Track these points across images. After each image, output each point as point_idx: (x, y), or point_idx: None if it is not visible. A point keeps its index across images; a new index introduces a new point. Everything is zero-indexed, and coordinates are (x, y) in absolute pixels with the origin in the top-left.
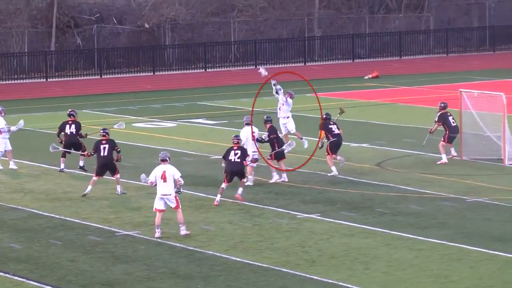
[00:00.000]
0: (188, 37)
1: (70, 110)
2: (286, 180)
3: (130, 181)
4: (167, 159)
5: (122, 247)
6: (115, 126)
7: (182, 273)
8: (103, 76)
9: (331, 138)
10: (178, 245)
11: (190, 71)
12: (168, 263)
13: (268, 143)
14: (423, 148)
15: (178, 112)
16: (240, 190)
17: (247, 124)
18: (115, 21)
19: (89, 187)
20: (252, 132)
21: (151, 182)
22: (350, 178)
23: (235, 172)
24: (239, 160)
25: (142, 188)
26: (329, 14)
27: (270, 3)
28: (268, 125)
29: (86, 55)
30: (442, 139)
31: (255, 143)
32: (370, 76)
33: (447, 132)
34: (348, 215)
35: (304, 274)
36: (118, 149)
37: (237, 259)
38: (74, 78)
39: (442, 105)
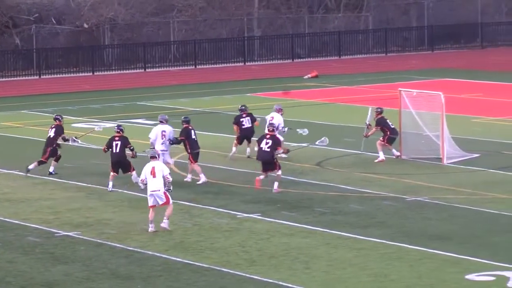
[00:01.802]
0: (127, 37)
1: (55, 114)
2: (189, 180)
3: (69, 182)
4: (157, 156)
5: (61, 248)
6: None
7: (122, 273)
8: (42, 77)
9: (388, 132)
10: (118, 245)
11: (130, 71)
12: (108, 263)
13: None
14: (364, 150)
15: (117, 112)
16: (275, 184)
17: (161, 122)
18: (54, 21)
19: (110, 183)
20: (162, 131)
21: (141, 180)
22: (291, 178)
23: (264, 161)
24: (269, 149)
25: (81, 189)
26: (269, 14)
27: (210, 3)
28: (184, 126)
29: (24, 56)
30: (382, 139)
31: (169, 142)
32: (309, 75)
33: (388, 133)
34: (288, 214)
35: (244, 274)
36: (131, 147)
37: (177, 259)
38: (12, 78)
39: (379, 110)
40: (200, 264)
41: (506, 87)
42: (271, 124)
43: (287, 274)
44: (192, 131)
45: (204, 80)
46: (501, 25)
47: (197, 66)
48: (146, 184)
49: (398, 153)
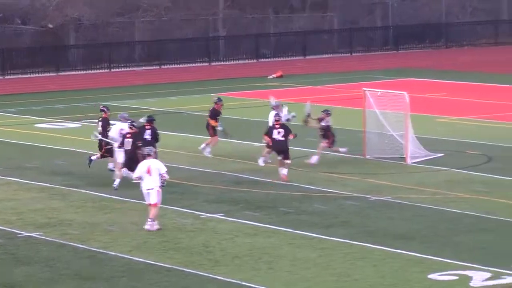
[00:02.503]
0: (92, 37)
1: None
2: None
3: (32, 182)
4: (152, 154)
5: (24, 249)
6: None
7: (85, 274)
8: (6, 77)
9: (332, 137)
10: (81, 246)
11: (95, 71)
12: (71, 264)
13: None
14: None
15: (82, 113)
16: (285, 170)
17: (120, 120)
18: (18, 21)
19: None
20: (120, 130)
21: (136, 178)
22: (254, 178)
23: (280, 150)
24: (283, 138)
25: (44, 190)
26: (234, 14)
27: (175, 3)
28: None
29: None
30: (327, 142)
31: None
32: (274, 75)
33: (333, 137)
34: (252, 214)
35: (207, 274)
36: (140, 143)
37: (140, 259)
38: None
39: (329, 112)
40: (163, 265)
41: (470, 86)
42: (277, 114)
43: (251, 274)
44: (148, 131)
45: (170, 80)
46: (466, 25)
47: (162, 66)
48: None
49: (345, 149)
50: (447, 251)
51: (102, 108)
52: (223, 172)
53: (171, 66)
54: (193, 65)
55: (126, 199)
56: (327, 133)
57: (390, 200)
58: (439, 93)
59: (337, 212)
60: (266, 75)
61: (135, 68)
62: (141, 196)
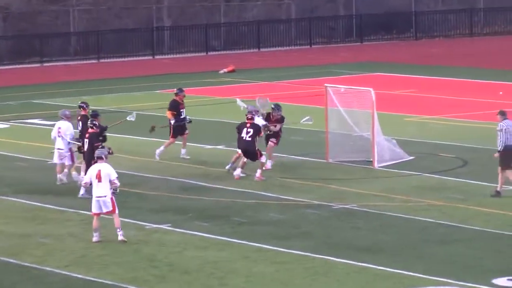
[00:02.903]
0: (22, 27)
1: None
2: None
3: None
4: (103, 157)
5: None
6: (127, 118)
7: None
8: None
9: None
10: (11, 261)
11: (25, 65)
12: (0, 282)
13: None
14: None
15: (11, 112)
16: (258, 171)
17: (61, 118)
18: None
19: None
20: (58, 128)
21: (85, 183)
22: (204, 184)
23: (246, 151)
24: (250, 139)
25: None
26: (180, 2)
27: None
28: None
29: None
30: (275, 141)
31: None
32: (225, 70)
33: (280, 134)
34: (202, 225)
35: None
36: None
37: (79, 275)
38: None
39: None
40: (104, 281)
41: (443, 82)
42: (249, 112)
43: None
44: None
45: (109, 75)
46: (437, 14)
47: (101, 60)
48: (90, 185)
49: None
50: (419, 264)
51: (80, 104)
52: (169, 178)
53: (110, 60)
54: (135, 58)
55: (63, 208)
56: (277, 132)
57: (355, 208)
58: (409, 90)
59: (296, 222)
60: (216, 70)
61: (70, 63)
62: (79, 205)
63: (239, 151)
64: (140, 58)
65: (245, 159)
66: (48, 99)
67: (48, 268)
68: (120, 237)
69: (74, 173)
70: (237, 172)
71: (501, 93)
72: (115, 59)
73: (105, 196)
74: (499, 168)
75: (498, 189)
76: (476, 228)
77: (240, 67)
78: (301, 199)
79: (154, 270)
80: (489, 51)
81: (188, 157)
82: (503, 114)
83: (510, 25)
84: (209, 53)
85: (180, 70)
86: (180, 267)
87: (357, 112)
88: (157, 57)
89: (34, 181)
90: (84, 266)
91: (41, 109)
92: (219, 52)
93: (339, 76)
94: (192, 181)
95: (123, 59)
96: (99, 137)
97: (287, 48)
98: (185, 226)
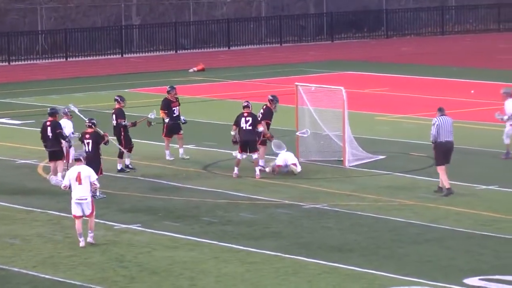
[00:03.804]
0: None
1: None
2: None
3: None
4: (82, 159)
5: None
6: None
7: None
8: None
9: None
10: None
11: None
12: None
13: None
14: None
15: None
16: (257, 170)
17: (63, 116)
18: None
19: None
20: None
21: (64, 186)
22: (174, 184)
23: (246, 142)
24: (250, 127)
25: None
26: (149, 0)
27: None
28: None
29: None
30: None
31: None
32: (195, 69)
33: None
34: (171, 225)
35: None
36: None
37: (47, 276)
38: None
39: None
40: (73, 282)
41: (414, 81)
42: (247, 101)
43: None
44: (49, 128)
45: (77, 74)
46: (408, 12)
47: (69, 59)
48: (69, 189)
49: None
50: (391, 264)
51: (115, 98)
52: (138, 178)
53: (78, 59)
54: (103, 57)
55: (30, 208)
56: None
57: (326, 208)
58: (380, 88)
59: (267, 222)
60: (186, 69)
61: (37, 61)
62: (46, 205)
63: (235, 153)
64: (109, 56)
65: (240, 158)
66: (15, 98)
67: (15, 269)
68: (89, 239)
69: (52, 176)
70: (235, 171)
71: (472, 91)
72: (83, 58)
73: (86, 199)
74: (438, 168)
75: (448, 186)
76: (447, 227)
77: (210, 66)
78: (272, 199)
79: (123, 271)
80: (461, 49)
81: (187, 157)
82: (440, 110)
83: (481, 23)
84: (178, 52)
85: (149, 69)
86: (150, 267)
87: (328, 111)
88: (126, 55)
89: (2, 181)
90: (52, 266)
91: (8, 108)
92: (189, 51)
93: (310, 74)
94: (161, 181)
95: (91, 58)
96: (100, 137)
97: (258, 46)
98: (154, 226)
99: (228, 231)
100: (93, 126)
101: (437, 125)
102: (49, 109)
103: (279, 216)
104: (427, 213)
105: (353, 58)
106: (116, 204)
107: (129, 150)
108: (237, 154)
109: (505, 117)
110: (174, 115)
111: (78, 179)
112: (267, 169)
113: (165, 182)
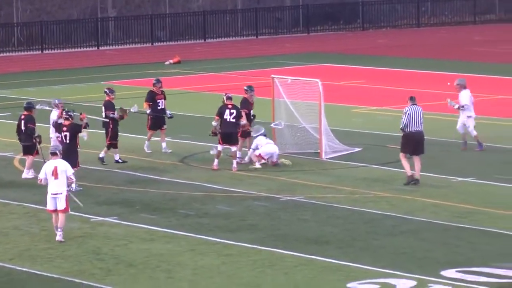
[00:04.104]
0: None
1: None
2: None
3: None
4: (58, 152)
5: None
6: (131, 109)
7: None
8: None
9: None
10: None
11: None
12: None
13: None
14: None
15: None
16: (234, 162)
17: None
18: None
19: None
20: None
21: (39, 180)
22: (150, 176)
23: (230, 133)
24: (234, 120)
25: None
26: None
27: None
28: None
29: None
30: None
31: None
32: (171, 61)
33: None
34: (148, 217)
35: (99, 285)
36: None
37: (23, 269)
38: None
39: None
40: (50, 275)
41: (390, 73)
42: (227, 94)
43: (148, 284)
44: (23, 122)
45: (53, 66)
46: (384, 4)
47: (45, 51)
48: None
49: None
50: (367, 256)
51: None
52: (114, 170)
53: (54, 51)
54: (79, 49)
55: (6, 201)
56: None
57: (303, 200)
58: (356, 81)
59: (243, 214)
60: (161, 61)
61: (12, 54)
62: (23, 198)
63: (213, 151)
64: (85, 49)
65: (221, 150)
66: None
67: None
68: (58, 237)
69: (26, 170)
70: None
71: (448, 83)
72: (59, 50)
73: (61, 193)
74: (401, 154)
75: (409, 173)
76: (423, 219)
77: (186, 58)
78: (249, 191)
79: (100, 263)
80: (437, 42)
81: (170, 150)
82: (412, 100)
83: (457, 15)
84: (154, 44)
85: (125, 61)
86: (126, 260)
87: (304, 104)
88: (101, 48)
89: None
90: (29, 259)
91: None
92: (165, 43)
93: (286, 67)
94: (138, 174)
95: (67, 50)
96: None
97: (234, 39)
98: (131, 218)
99: (205, 223)
100: (69, 118)
101: (408, 114)
102: (25, 103)
103: (256, 208)
104: (403, 205)
105: (329, 50)
106: (92, 197)
107: (115, 146)
108: (217, 147)
109: (456, 106)
110: (159, 108)
111: (55, 174)
112: (246, 159)
113: (141, 174)
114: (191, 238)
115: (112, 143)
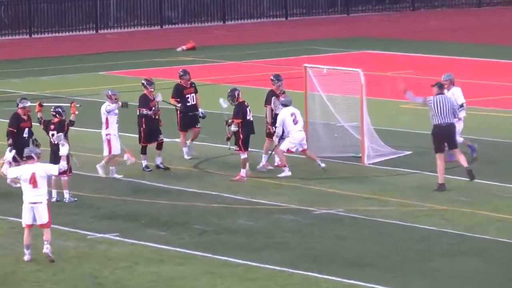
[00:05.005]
0: None
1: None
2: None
3: None
4: (34, 156)
5: None
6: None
7: None
8: None
9: None
10: None
11: None
12: None
13: None
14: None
15: None
16: (242, 171)
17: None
18: None
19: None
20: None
21: (11, 179)
22: (159, 185)
23: (252, 132)
24: (252, 119)
25: None
26: None
27: None
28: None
29: None
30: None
31: None
32: (184, 47)
33: None
34: (157, 234)
35: None
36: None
37: None
38: None
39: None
40: None
41: (443, 61)
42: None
43: None
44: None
45: (42, 53)
46: None
47: (33, 35)
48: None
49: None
50: (420, 281)
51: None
52: (116, 178)
53: (44, 35)
54: (75, 33)
55: None
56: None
57: (341, 213)
58: (404, 71)
59: (270, 230)
60: (173, 47)
61: None
62: (7, 211)
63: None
64: (81, 33)
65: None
66: None
67: None
68: (46, 250)
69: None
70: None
71: None
72: (50, 34)
73: (41, 203)
74: (436, 155)
75: (441, 181)
76: (487, 237)
77: (201, 44)
78: (276, 203)
79: None
80: (502, 24)
81: (189, 157)
82: (440, 87)
83: None
84: (164, 27)
85: (130, 48)
86: (130, 285)
87: (342, 98)
88: (101, 31)
89: None
90: (14, 283)
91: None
92: (177, 26)
93: (321, 54)
94: (144, 182)
95: (60, 34)
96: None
97: (258, 20)
98: (136, 235)
99: (224, 241)
100: (58, 115)
101: (432, 104)
102: (19, 98)
103: (284, 223)
104: (463, 220)
105: (372, 35)
106: (90, 209)
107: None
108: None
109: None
110: (189, 104)
111: (33, 182)
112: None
113: (148, 182)
114: (207, 259)
115: (145, 146)
